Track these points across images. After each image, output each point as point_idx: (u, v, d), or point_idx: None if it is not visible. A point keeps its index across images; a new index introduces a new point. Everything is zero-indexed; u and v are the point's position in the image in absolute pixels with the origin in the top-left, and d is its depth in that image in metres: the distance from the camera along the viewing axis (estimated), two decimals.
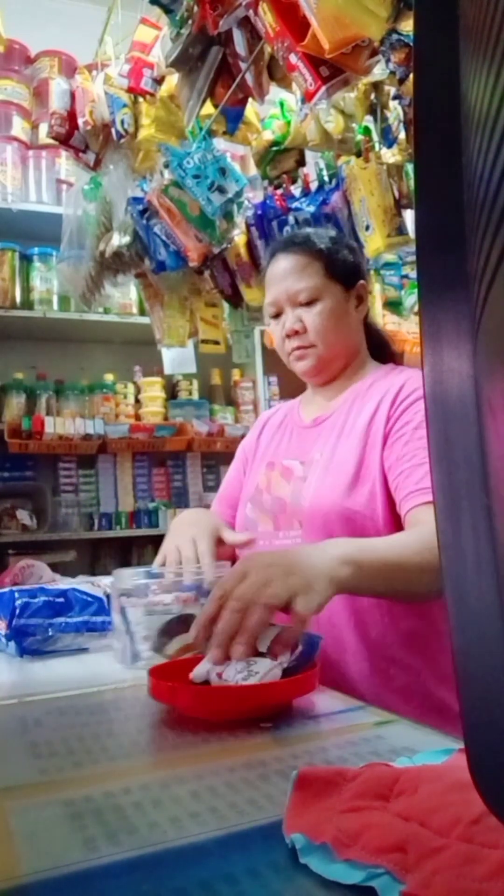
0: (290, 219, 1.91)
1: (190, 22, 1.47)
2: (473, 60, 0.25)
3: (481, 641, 0.26)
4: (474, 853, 0.33)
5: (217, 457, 3.20)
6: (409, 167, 1.76)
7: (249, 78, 1.52)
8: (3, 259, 2.88)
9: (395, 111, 1.73)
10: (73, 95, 2.05)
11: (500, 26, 0.23)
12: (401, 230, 1.76)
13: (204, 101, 1.61)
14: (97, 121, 1.97)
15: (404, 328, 2.83)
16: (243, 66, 1.50)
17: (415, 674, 1.01)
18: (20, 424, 2.75)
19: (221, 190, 1.73)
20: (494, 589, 0.25)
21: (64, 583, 1.17)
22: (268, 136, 1.96)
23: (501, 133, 0.22)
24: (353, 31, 1.17)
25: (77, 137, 2.05)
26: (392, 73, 1.29)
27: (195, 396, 3.22)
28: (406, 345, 2.53)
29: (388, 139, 1.75)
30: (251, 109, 1.81)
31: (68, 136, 2.04)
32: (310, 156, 2.00)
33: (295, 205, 1.92)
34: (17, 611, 0.99)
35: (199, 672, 0.70)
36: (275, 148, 1.96)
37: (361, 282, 1.19)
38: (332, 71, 1.26)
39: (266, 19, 1.30)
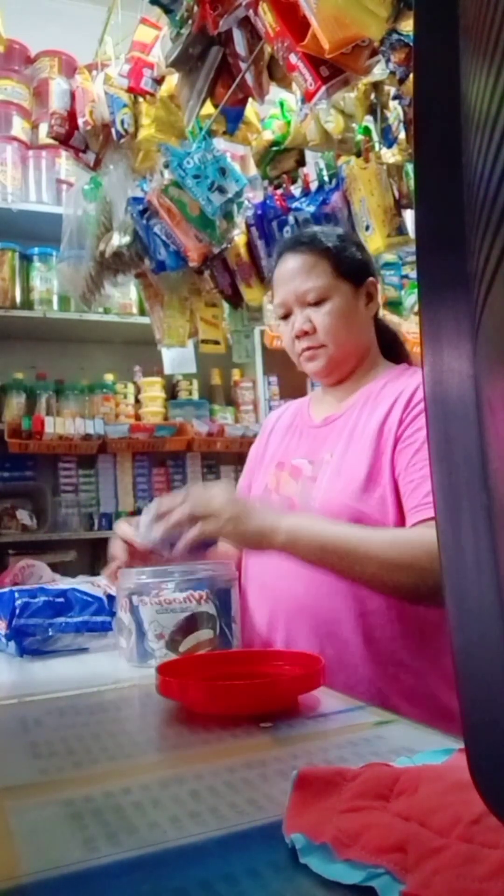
0: (290, 219, 1.91)
1: (190, 22, 1.47)
2: (473, 60, 0.25)
3: (481, 641, 0.26)
4: (474, 853, 0.33)
5: (217, 457, 3.19)
6: (409, 167, 1.76)
7: (249, 78, 1.52)
8: (3, 259, 2.88)
9: (395, 111, 1.73)
10: (73, 95, 2.05)
11: (500, 26, 0.23)
12: (401, 230, 1.76)
13: (204, 101, 1.61)
14: (97, 121, 1.97)
15: (404, 328, 2.82)
16: (243, 66, 1.50)
17: (420, 676, 1.00)
18: (20, 424, 2.75)
19: (221, 190, 1.73)
20: (494, 589, 0.25)
21: (64, 583, 1.17)
22: (268, 136, 1.96)
23: (501, 133, 0.22)
24: (353, 31, 1.17)
25: (77, 137, 2.05)
26: (392, 73, 1.29)
27: (195, 396, 3.22)
28: (406, 345, 2.52)
29: (388, 139, 1.75)
30: (251, 109, 1.81)
31: (68, 136, 2.04)
32: (310, 156, 2.00)
33: (295, 205, 1.92)
34: (17, 611, 1.00)
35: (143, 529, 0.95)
36: (275, 148, 1.96)
37: (371, 279, 1.17)
38: (332, 71, 1.26)
39: (266, 19, 1.30)
